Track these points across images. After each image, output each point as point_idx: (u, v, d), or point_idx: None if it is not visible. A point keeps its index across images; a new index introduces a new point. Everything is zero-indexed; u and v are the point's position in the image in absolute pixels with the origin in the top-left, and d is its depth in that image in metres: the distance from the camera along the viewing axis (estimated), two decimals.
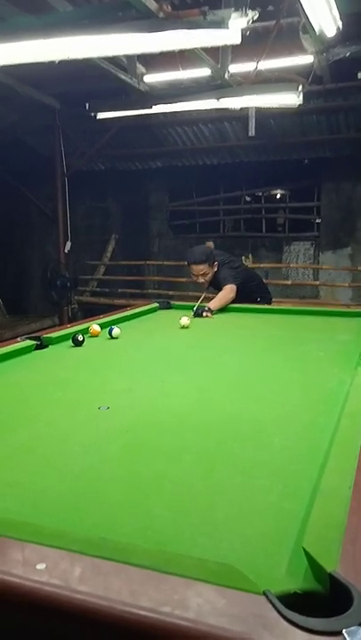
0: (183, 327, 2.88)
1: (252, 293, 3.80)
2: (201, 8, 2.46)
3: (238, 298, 3.53)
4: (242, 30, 2.53)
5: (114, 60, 4.32)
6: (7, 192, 7.47)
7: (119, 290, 7.23)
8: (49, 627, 0.71)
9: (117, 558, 0.77)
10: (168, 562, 0.77)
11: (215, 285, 3.67)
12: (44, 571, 0.73)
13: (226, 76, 3.86)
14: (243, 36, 2.58)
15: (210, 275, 3.63)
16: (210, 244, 4.41)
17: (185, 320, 2.91)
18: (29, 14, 3.57)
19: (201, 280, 3.66)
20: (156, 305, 3.63)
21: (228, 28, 2.46)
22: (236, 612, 0.66)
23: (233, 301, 3.49)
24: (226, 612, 0.66)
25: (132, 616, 0.66)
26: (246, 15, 2.48)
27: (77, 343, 2.43)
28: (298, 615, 0.64)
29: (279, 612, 0.65)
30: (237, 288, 3.53)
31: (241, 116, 5.54)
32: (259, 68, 3.95)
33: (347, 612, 0.64)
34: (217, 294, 3.54)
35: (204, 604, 0.67)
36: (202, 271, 3.61)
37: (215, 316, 3.29)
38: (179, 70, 4.25)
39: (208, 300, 3.53)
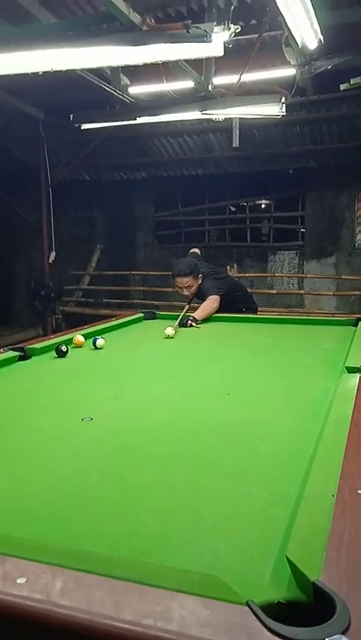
0: (168, 337, 2.88)
1: (238, 304, 3.81)
2: (184, 22, 2.48)
3: (223, 308, 3.55)
4: (225, 43, 2.56)
5: (98, 72, 4.33)
6: None
7: (104, 300, 7.21)
8: None
9: (100, 571, 0.76)
10: (152, 573, 0.77)
11: (200, 297, 3.69)
12: (24, 585, 0.72)
13: (209, 87, 3.89)
14: (226, 48, 2.60)
15: (194, 287, 3.65)
16: (196, 250, 4.42)
17: (170, 330, 2.91)
18: (12, 25, 3.58)
19: (186, 292, 3.68)
20: (142, 315, 3.63)
21: (210, 41, 2.48)
22: (220, 622, 0.65)
23: (218, 311, 3.51)
24: (209, 623, 0.65)
25: (115, 629, 0.65)
26: (229, 29, 2.51)
27: (61, 354, 2.41)
28: (281, 625, 0.64)
29: (262, 622, 0.65)
30: (222, 299, 3.55)
31: (225, 127, 5.59)
32: (242, 80, 3.99)
33: (329, 620, 0.64)
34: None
35: (187, 616, 0.66)
36: (187, 283, 3.62)
37: (201, 325, 3.29)
38: (163, 82, 4.28)
39: (193, 310, 3.53)
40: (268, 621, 0.64)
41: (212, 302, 3.51)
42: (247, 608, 0.68)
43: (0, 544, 0.84)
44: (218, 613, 0.67)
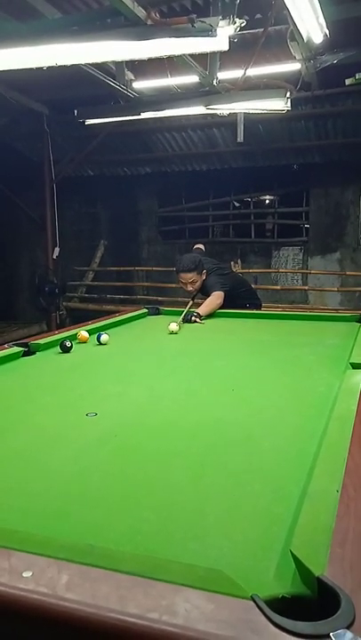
0: (172, 333, 2.88)
1: (242, 300, 3.81)
2: (189, 16, 2.47)
3: (227, 304, 3.54)
4: (230, 37, 2.55)
5: (102, 67, 4.32)
6: None
7: (108, 296, 7.21)
8: (35, 635, 0.71)
9: (105, 565, 0.76)
10: (156, 568, 0.77)
11: (204, 293, 3.68)
12: (30, 578, 0.73)
13: (214, 82, 3.88)
14: (231, 43, 2.59)
15: (198, 283, 3.64)
16: (200, 246, 4.41)
17: (174, 326, 2.90)
18: (17, 21, 3.58)
19: (190, 288, 3.67)
20: (146, 311, 3.63)
21: (215, 35, 2.48)
22: (225, 617, 0.66)
23: (222, 307, 3.50)
24: (214, 618, 0.66)
25: (120, 623, 0.66)
26: (234, 23, 2.51)
27: (65, 349, 2.41)
28: (286, 619, 0.64)
29: (267, 616, 0.65)
30: (226, 295, 3.54)
31: (229, 122, 5.58)
32: (247, 74, 3.97)
33: (334, 615, 0.64)
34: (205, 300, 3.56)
35: (192, 610, 0.67)
36: (190, 279, 3.61)
37: (204, 321, 3.29)
38: (167, 77, 4.26)
39: (197, 305, 3.53)
40: (273, 616, 0.65)
41: (216, 298, 3.50)
42: (252, 602, 0.68)
43: (6, 539, 0.84)
44: (222, 608, 0.67)
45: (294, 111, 4.72)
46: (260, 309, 3.96)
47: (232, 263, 6.35)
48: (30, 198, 7.37)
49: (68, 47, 2.59)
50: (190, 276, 3.61)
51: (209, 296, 3.56)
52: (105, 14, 3.01)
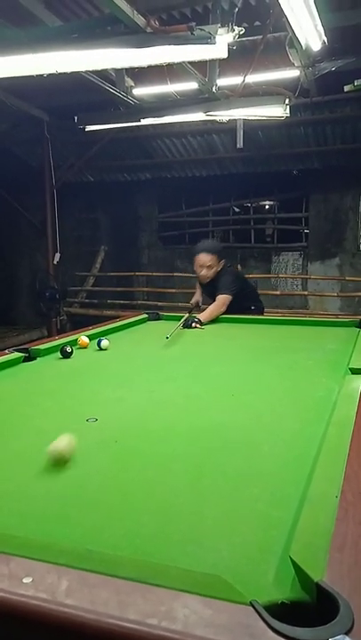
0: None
1: (247, 301, 3.80)
2: (188, 24, 2.49)
3: (233, 305, 3.52)
4: (229, 45, 2.57)
5: (102, 74, 4.35)
6: None
7: (108, 301, 7.22)
8: None
9: (104, 570, 0.77)
10: (155, 573, 0.77)
11: (212, 287, 3.65)
12: (30, 584, 0.73)
13: (214, 89, 3.90)
14: (230, 50, 2.61)
15: (213, 270, 3.59)
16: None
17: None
18: (17, 28, 3.60)
19: (203, 272, 3.60)
20: (146, 316, 3.64)
21: (214, 43, 2.49)
22: (223, 622, 0.66)
23: (227, 309, 3.49)
24: (213, 623, 0.66)
25: (119, 628, 0.66)
26: (233, 30, 2.52)
27: (66, 355, 2.42)
28: (284, 625, 0.65)
29: (266, 621, 0.65)
30: (232, 297, 3.52)
31: (229, 128, 5.60)
32: (246, 81, 3.99)
33: (333, 620, 0.65)
34: (209, 304, 3.53)
35: (190, 615, 0.67)
36: (208, 263, 3.57)
37: (205, 326, 3.29)
38: (167, 84, 4.29)
39: (199, 310, 3.52)
40: (272, 621, 0.65)
41: (220, 306, 3.48)
42: (250, 608, 0.68)
43: (6, 544, 0.85)
44: (221, 613, 0.68)
45: (293, 117, 4.74)
46: (262, 313, 3.96)
47: None
48: (31, 204, 7.39)
49: (68, 55, 2.60)
50: (209, 259, 3.56)
51: (214, 296, 3.54)
52: (105, 22, 3.03)
